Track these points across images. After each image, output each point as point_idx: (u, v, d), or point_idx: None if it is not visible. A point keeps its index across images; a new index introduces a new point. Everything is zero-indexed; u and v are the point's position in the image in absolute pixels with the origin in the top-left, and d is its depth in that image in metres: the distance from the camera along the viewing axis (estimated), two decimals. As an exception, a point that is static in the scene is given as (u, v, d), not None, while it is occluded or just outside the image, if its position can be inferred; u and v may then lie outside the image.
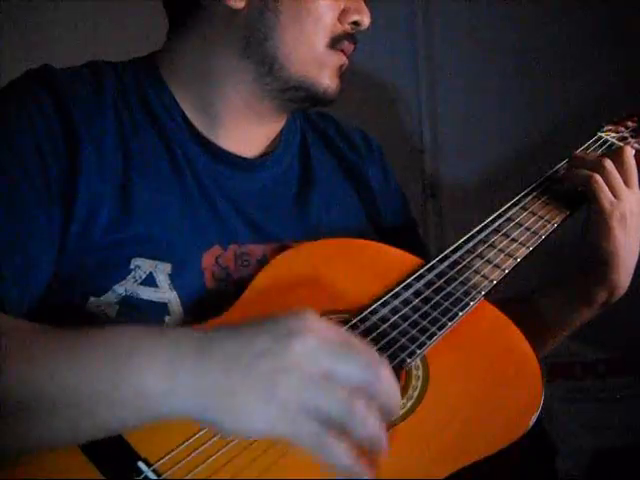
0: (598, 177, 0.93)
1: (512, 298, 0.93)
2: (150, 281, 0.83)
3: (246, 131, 0.95)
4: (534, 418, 0.72)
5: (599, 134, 1.08)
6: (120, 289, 0.82)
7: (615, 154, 0.97)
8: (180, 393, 0.62)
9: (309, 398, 0.60)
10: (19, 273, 0.78)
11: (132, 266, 0.83)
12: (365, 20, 0.93)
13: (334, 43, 0.91)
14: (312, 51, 0.90)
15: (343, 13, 0.91)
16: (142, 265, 0.83)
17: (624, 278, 0.96)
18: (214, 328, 0.66)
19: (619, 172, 0.94)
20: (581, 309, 0.99)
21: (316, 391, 0.61)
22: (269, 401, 0.60)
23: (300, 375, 0.61)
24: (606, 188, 0.93)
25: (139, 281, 0.83)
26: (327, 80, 0.92)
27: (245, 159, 0.95)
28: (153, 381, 0.63)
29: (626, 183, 0.94)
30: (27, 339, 0.67)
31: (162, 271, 0.84)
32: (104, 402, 0.64)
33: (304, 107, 0.98)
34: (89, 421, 0.64)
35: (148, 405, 0.63)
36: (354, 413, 0.60)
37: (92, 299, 0.82)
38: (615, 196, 0.93)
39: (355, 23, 0.92)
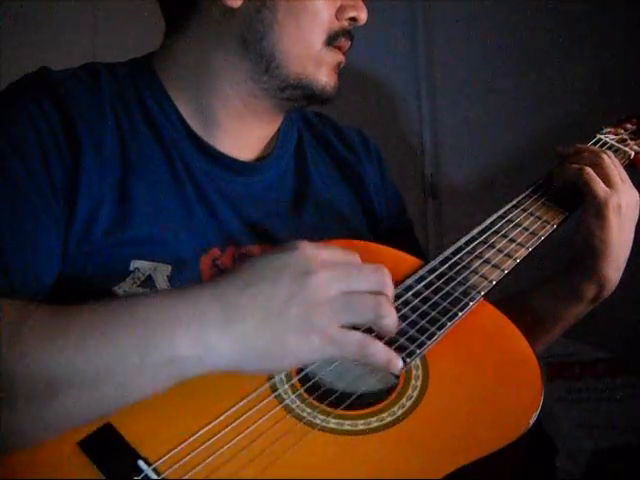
0: (589, 169, 0.94)
1: (504, 297, 0.93)
2: (149, 283, 0.83)
3: (243, 133, 0.95)
4: (534, 418, 0.72)
5: (598, 136, 1.08)
6: (119, 291, 0.82)
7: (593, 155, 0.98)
8: (216, 354, 0.66)
9: (341, 317, 0.69)
10: (29, 272, 0.78)
11: (131, 268, 0.83)
12: (362, 16, 0.93)
13: (331, 40, 0.91)
14: (309, 49, 0.90)
15: (340, 9, 0.91)
16: (141, 267, 0.83)
17: (614, 272, 0.96)
18: (229, 278, 0.70)
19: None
20: (571, 304, 0.99)
21: (344, 309, 0.69)
22: (309, 334, 0.68)
23: (327, 303, 0.68)
24: (598, 179, 0.94)
25: (138, 283, 0.83)
26: (325, 78, 0.92)
27: (242, 162, 0.95)
28: (184, 348, 0.65)
29: (620, 179, 0.95)
30: (51, 320, 0.67)
31: (161, 273, 0.84)
32: (134, 373, 0.65)
33: (302, 105, 0.98)
34: (121, 392, 0.66)
35: (180, 370, 0.66)
36: (381, 310, 0.70)
37: (91, 300, 0.81)
38: (609, 186, 0.94)
39: (352, 19, 0.92)
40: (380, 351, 0.70)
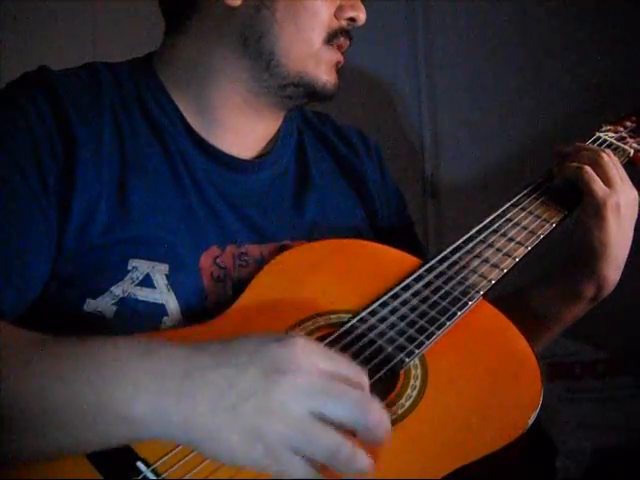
0: (588, 168, 0.94)
1: (502, 295, 0.93)
2: (147, 282, 0.83)
3: (244, 131, 0.95)
4: (533, 417, 0.72)
5: (598, 134, 1.08)
6: (117, 290, 0.82)
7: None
8: (165, 424, 0.62)
9: (295, 442, 0.60)
10: (16, 275, 0.78)
11: (129, 267, 0.83)
12: (361, 16, 0.93)
13: (330, 39, 0.91)
14: (309, 47, 0.90)
15: (339, 9, 0.92)
16: (139, 266, 0.83)
17: (613, 272, 0.95)
18: (201, 348, 0.65)
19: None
20: (570, 304, 0.99)
21: (301, 436, 0.60)
22: (254, 442, 0.60)
23: (287, 418, 0.60)
24: (597, 178, 0.94)
25: (136, 282, 0.83)
26: (325, 75, 0.92)
27: (242, 160, 0.95)
28: (138, 410, 0.62)
29: (620, 178, 0.95)
30: (16, 355, 0.66)
31: (159, 272, 0.84)
32: (89, 426, 0.64)
33: (302, 103, 0.98)
34: (74, 442, 0.65)
35: (133, 430, 0.63)
36: (340, 456, 0.60)
37: (89, 300, 0.81)
38: (608, 186, 0.93)
39: (351, 19, 0.93)
40: None
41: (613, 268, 0.95)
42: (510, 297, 1.00)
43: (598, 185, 0.93)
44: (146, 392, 0.62)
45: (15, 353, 0.66)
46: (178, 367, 0.63)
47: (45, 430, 0.64)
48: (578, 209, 0.97)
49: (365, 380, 0.64)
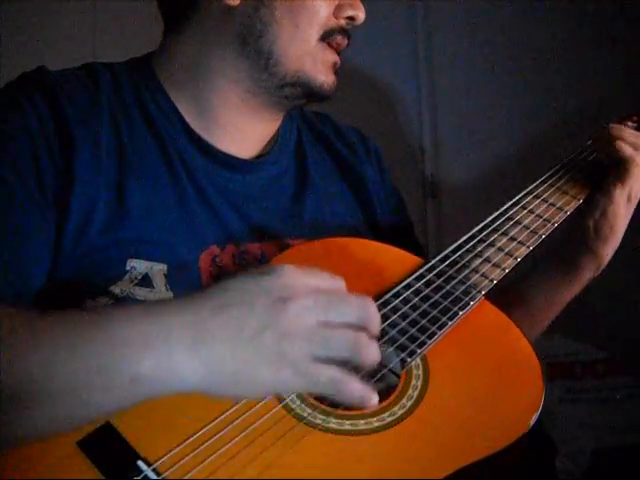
0: (638, 159, 0.96)
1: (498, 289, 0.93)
2: (146, 282, 0.83)
3: (242, 131, 0.95)
4: (534, 418, 0.72)
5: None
6: (116, 290, 0.82)
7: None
8: (180, 377, 0.64)
9: (316, 351, 0.65)
10: (13, 275, 0.78)
11: (128, 267, 0.83)
12: (360, 15, 0.93)
13: (326, 36, 0.91)
14: (306, 45, 0.91)
15: (338, 8, 0.92)
16: (138, 266, 0.83)
17: (612, 252, 1.00)
18: (202, 297, 0.67)
19: None
20: (570, 285, 1.01)
21: (319, 343, 0.65)
22: (281, 366, 0.64)
23: (302, 334, 0.64)
24: (639, 173, 0.96)
25: (135, 282, 0.83)
26: (322, 76, 0.92)
27: (241, 160, 0.95)
28: (148, 367, 0.63)
29: None
30: (22, 327, 0.66)
31: (158, 272, 0.84)
32: (99, 390, 0.64)
33: (301, 103, 0.98)
34: (86, 409, 0.65)
35: (144, 389, 0.64)
36: (359, 348, 0.65)
37: (88, 300, 0.81)
38: None
39: (350, 18, 0.93)
40: (354, 389, 0.66)
41: (613, 249, 0.99)
42: (506, 289, 1.00)
43: (637, 180, 0.95)
44: (153, 349, 0.63)
45: (18, 326, 0.66)
46: (183, 318, 0.65)
47: (57, 398, 0.64)
48: (578, 209, 0.98)
49: (342, 281, 0.70)
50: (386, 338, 0.78)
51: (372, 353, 0.66)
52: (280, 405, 0.70)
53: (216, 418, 0.68)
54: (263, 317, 0.64)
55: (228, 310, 0.65)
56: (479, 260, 0.89)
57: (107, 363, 0.63)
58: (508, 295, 0.99)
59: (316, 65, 0.91)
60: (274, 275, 0.67)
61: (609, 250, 0.99)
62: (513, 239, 0.92)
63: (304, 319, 0.65)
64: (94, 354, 0.64)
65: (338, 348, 0.65)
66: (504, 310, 0.85)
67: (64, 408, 0.64)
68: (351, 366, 0.66)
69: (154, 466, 0.64)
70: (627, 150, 0.96)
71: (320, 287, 0.68)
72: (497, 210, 0.96)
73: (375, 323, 0.68)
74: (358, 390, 0.66)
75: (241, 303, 0.65)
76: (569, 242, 1.00)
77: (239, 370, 0.64)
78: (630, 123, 1.10)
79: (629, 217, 0.98)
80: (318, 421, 0.70)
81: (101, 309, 0.70)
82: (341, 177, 1.05)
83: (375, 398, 0.66)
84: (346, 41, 0.94)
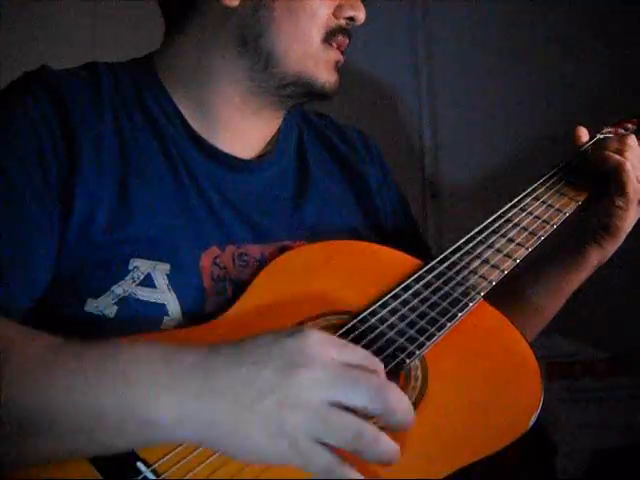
0: (629, 165, 0.96)
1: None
2: (148, 282, 0.83)
3: (243, 131, 0.95)
4: (534, 418, 0.72)
5: (598, 136, 1.08)
6: (118, 290, 0.82)
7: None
8: (187, 426, 0.63)
9: (317, 432, 0.61)
10: (21, 274, 0.78)
11: (130, 267, 0.83)
12: (360, 15, 0.93)
13: (328, 37, 0.91)
14: (307, 47, 0.90)
15: (338, 8, 0.92)
16: (140, 266, 0.83)
17: (616, 246, 1.01)
18: (216, 349, 0.66)
19: None
20: (576, 273, 1.02)
21: (323, 424, 0.61)
22: (277, 436, 0.61)
23: (306, 409, 0.61)
24: (634, 176, 0.96)
25: (137, 282, 0.83)
26: (325, 74, 0.92)
27: (242, 160, 0.95)
28: (163, 413, 0.63)
29: None
30: (39, 358, 0.67)
31: (160, 272, 0.84)
32: (111, 430, 0.64)
33: (303, 102, 0.98)
34: (95, 446, 0.65)
35: (157, 433, 0.64)
36: (363, 440, 0.61)
37: (90, 300, 0.81)
38: (637, 181, 0.96)
39: (350, 18, 0.92)
40: (348, 476, 0.61)
41: (619, 244, 1.00)
42: (505, 289, 1.00)
43: (632, 182, 0.95)
44: (168, 397, 0.63)
45: (35, 355, 0.67)
46: (196, 370, 0.64)
47: (66, 433, 0.64)
48: (579, 210, 0.98)
49: (380, 366, 0.65)
50: (386, 339, 0.78)
51: (379, 449, 0.61)
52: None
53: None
54: (269, 381, 0.62)
55: (239, 368, 0.63)
56: (478, 262, 0.89)
57: (122, 405, 0.63)
58: (508, 290, 0.99)
59: (318, 65, 0.91)
60: (297, 338, 0.64)
61: (615, 245, 1.00)
62: (512, 241, 0.92)
63: (310, 392, 0.61)
64: (109, 395, 0.64)
65: (337, 435, 0.61)
66: (506, 301, 0.86)
67: (71, 443, 0.65)
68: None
69: (153, 467, 0.64)
70: (613, 158, 0.96)
71: (343, 361, 0.63)
72: (496, 212, 0.96)
73: (398, 413, 0.63)
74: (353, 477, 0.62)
75: (254, 362, 0.63)
76: (578, 233, 1.01)
77: (236, 432, 0.62)
78: (630, 126, 1.10)
79: (639, 214, 0.99)
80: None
81: (118, 345, 0.68)
82: (342, 177, 1.05)
83: None
84: (347, 40, 0.94)
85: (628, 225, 0.98)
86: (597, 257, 1.01)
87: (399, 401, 0.63)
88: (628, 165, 0.95)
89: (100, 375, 0.65)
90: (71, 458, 0.65)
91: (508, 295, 0.97)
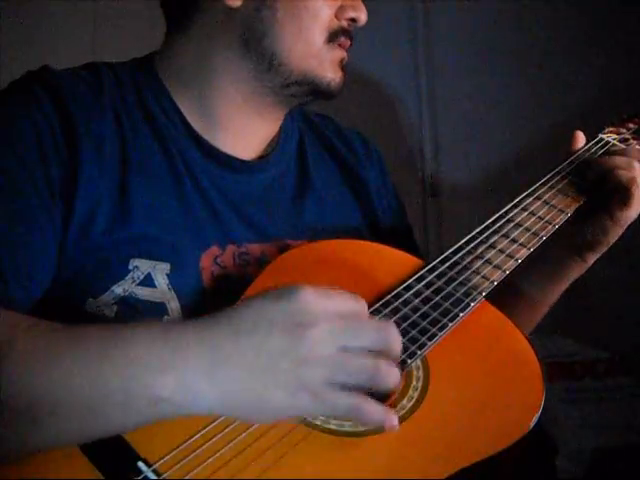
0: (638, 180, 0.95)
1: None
2: (148, 281, 0.83)
3: (244, 132, 0.95)
4: (535, 419, 0.72)
5: (600, 135, 1.08)
6: (118, 289, 0.82)
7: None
8: (198, 401, 0.64)
9: (335, 378, 0.65)
10: (23, 274, 0.78)
11: (130, 266, 0.83)
12: (362, 17, 0.93)
13: (332, 38, 0.91)
14: (310, 47, 0.90)
15: (340, 9, 0.92)
16: (140, 265, 0.83)
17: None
18: (219, 322, 0.67)
19: None
20: (557, 284, 1.02)
21: (338, 370, 0.65)
22: (299, 392, 0.64)
23: (320, 361, 0.64)
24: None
25: (137, 281, 0.83)
26: (330, 73, 0.92)
27: (243, 161, 0.95)
28: (168, 391, 0.63)
29: None
30: (43, 344, 0.67)
31: (160, 271, 0.84)
32: (117, 410, 0.64)
33: (307, 101, 0.98)
34: (103, 426, 0.65)
35: (162, 411, 0.64)
36: (379, 375, 0.65)
37: (90, 300, 0.82)
38: None
39: (352, 20, 0.92)
40: (374, 414, 0.66)
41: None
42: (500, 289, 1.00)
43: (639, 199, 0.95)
44: (173, 372, 0.64)
45: (38, 340, 0.67)
46: (200, 343, 0.65)
47: (72, 416, 0.64)
48: (579, 212, 0.98)
49: (363, 304, 0.69)
50: None
51: (392, 379, 0.66)
52: (280, 406, 0.71)
53: (217, 419, 0.67)
54: (280, 344, 0.64)
55: (245, 336, 0.65)
56: (480, 262, 0.89)
57: (126, 384, 0.64)
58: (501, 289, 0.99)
59: (323, 64, 0.91)
60: (292, 299, 0.66)
61: (595, 258, 1.00)
62: (514, 241, 0.92)
63: (322, 346, 0.65)
64: (113, 374, 0.64)
65: (356, 375, 0.65)
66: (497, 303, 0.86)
67: (80, 425, 0.65)
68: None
69: (154, 467, 0.64)
70: (624, 175, 0.96)
71: (339, 310, 0.67)
72: (498, 212, 0.96)
73: (396, 347, 0.68)
74: (378, 414, 0.66)
75: (259, 329, 0.65)
76: (559, 246, 1.01)
77: (254, 396, 0.64)
78: (632, 125, 1.10)
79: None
80: (318, 422, 0.70)
81: (120, 326, 0.69)
82: (342, 179, 1.05)
83: (395, 421, 0.67)
84: (349, 42, 0.94)
85: (613, 240, 0.98)
86: (579, 271, 1.01)
87: (396, 338, 0.68)
88: (638, 183, 0.95)
89: (103, 355, 0.65)
90: (80, 441, 0.65)
91: (503, 295, 0.96)
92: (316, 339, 0.64)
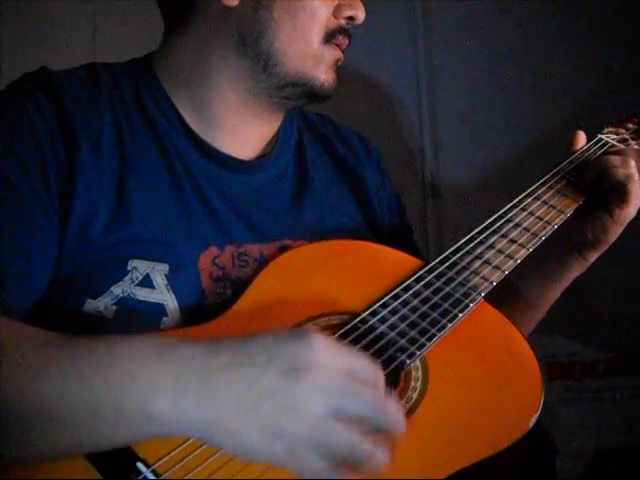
0: (637, 177, 0.96)
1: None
2: (147, 282, 0.83)
3: (243, 132, 0.95)
4: (534, 419, 0.72)
5: (599, 136, 1.08)
6: (117, 290, 0.82)
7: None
8: (186, 422, 0.63)
9: (316, 438, 0.61)
10: (21, 275, 0.78)
11: (129, 267, 0.83)
12: (360, 15, 0.93)
13: (329, 38, 0.91)
14: (307, 46, 0.90)
15: (338, 8, 0.91)
16: (139, 266, 0.83)
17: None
18: (218, 346, 0.65)
19: None
20: (557, 285, 1.02)
21: (321, 433, 0.61)
22: (275, 439, 0.61)
23: (306, 417, 0.61)
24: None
25: (136, 282, 0.83)
26: (323, 75, 0.92)
27: (241, 161, 0.95)
28: (157, 410, 0.63)
29: None
30: (35, 354, 0.67)
31: (159, 272, 0.84)
32: (107, 426, 0.64)
33: (301, 104, 0.98)
34: (93, 440, 0.65)
35: (152, 428, 0.64)
36: (363, 454, 0.61)
37: (89, 300, 0.81)
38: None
39: (350, 18, 0.92)
40: None
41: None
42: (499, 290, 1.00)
43: (637, 197, 0.95)
44: (165, 392, 0.63)
45: (31, 352, 0.67)
46: (196, 366, 0.64)
47: (62, 429, 0.64)
48: (579, 211, 0.98)
49: (381, 377, 0.65)
50: (386, 340, 0.78)
51: (374, 462, 0.62)
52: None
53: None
54: (272, 383, 0.62)
55: (239, 369, 0.63)
56: (479, 262, 0.89)
57: (118, 401, 0.63)
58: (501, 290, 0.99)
59: (318, 65, 0.91)
60: (301, 342, 0.63)
61: (597, 256, 1.00)
62: (513, 241, 0.92)
63: (312, 400, 0.61)
64: (105, 389, 0.64)
65: (338, 446, 0.61)
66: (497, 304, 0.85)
67: (71, 438, 0.65)
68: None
69: (153, 467, 0.64)
70: (620, 173, 0.96)
71: (348, 369, 0.63)
72: (497, 212, 0.96)
73: (396, 429, 0.63)
74: None
75: (257, 364, 0.63)
76: (560, 245, 1.01)
77: (234, 433, 0.62)
78: (631, 125, 1.10)
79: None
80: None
81: (114, 338, 0.68)
82: (341, 179, 1.05)
83: None
84: (347, 41, 0.94)
85: (614, 238, 0.98)
86: (579, 269, 1.01)
87: (397, 417, 0.64)
88: (636, 178, 0.95)
89: (95, 371, 0.65)
90: (70, 453, 0.65)
91: (503, 296, 0.95)
92: (308, 391, 0.61)
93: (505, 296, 0.95)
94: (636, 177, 0.95)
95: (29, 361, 0.66)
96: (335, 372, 0.62)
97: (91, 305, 0.81)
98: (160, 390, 0.63)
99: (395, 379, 0.75)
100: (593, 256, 1.00)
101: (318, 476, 0.61)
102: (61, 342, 0.68)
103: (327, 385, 0.62)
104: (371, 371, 0.65)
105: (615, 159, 0.98)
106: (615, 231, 0.98)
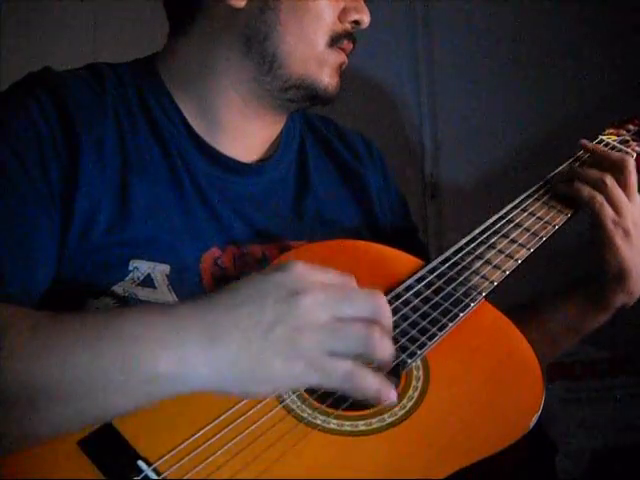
0: (600, 197, 0.93)
1: (514, 306, 0.92)
2: (148, 282, 0.83)
3: (245, 134, 0.95)
4: (534, 419, 0.72)
5: (600, 137, 1.08)
6: (118, 290, 0.82)
7: (616, 166, 0.96)
8: (196, 375, 0.64)
9: (330, 344, 0.65)
10: (23, 274, 0.78)
11: (131, 267, 0.83)
12: (365, 19, 0.93)
13: (334, 41, 0.91)
14: (312, 50, 0.90)
15: (343, 12, 0.92)
16: (140, 266, 0.83)
17: (638, 283, 0.95)
18: (209, 297, 0.67)
19: (620, 185, 0.94)
20: (598, 315, 0.99)
21: (333, 337, 0.65)
22: (294, 359, 0.64)
23: (315, 328, 0.65)
24: (608, 208, 0.93)
25: (137, 282, 0.83)
26: (327, 78, 0.92)
27: (244, 164, 0.95)
28: (165, 367, 0.64)
29: (627, 196, 0.94)
30: (36, 328, 0.67)
31: (160, 272, 0.84)
32: (116, 390, 0.64)
33: (304, 106, 0.98)
34: (103, 408, 0.65)
35: (161, 388, 0.65)
36: (373, 341, 0.66)
37: (91, 300, 0.82)
38: (617, 213, 0.93)
39: (355, 22, 0.93)
40: (371, 384, 0.66)
41: (637, 280, 0.95)
42: (524, 311, 0.99)
43: (608, 214, 0.92)
44: (170, 348, 0.64)
45: (34, 327, 0.67)
46: (197, 319, 0.65)
47: (71, 399, 0.64)
48: (581, 210, 0.98)
49: (352, 277, 0.70)
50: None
51: (385, 347, 0.66)
52: (280, 406, 0.71)
53: (217, 418, 0.68)
54: (275, 312, 0.65)
55: (240, 308, 0.65)
56: (480, 262, 0.89)
57: (124, 364, 0.64)
58: (526, 314, 0.97)
59: (322, 69, 0.91)
60: (285, 271, 0.67)
61: (633, 285, 0.95)
62: (514, 241, 0.92)
63: (317, 313, 0.65)
64: (111, 355, 0.64)
65: (352, 342, 0.65)
66: (520, 328, 0.83)
67: (79, 408, 0.65)
68: (364, 363, 0.66)
69: (154, 466, 0.64)
70: (585, 191, 0.94)
71: (331, 281, 0.68)
72: (497, 212, 0.96)
73: (387, 316, 0.68)
74: (375, 384, 0.66)
75: (253, 300, 0.66)
76: (591, 279, 0.97)
77: (251, 366, 0.64)
78: (632, 127, 1.10)
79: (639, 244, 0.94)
80: (318, 422, 0.70)
81: (116, 309, 0.71)
82: (343, 181, 1.05)
83: (393, 393, 0.67)
84: (352, 45, 0.94)
85: (627, 260, 0.93)
86: (620, 299, 0.96)
87: (385, 305, 0.69)
88: (598, 197, 0.93)
89: (101, 337, 0.65)
90: (78, 427, 0.65)
91: (528, 322, 0.93)
92: (310, 307, 0.65)
93: (533, 332, 0.93)
94: (598, 197, 0.93)
95: (34, 334, 0.66)
96: (324, 286, 0.67)
97: (92, 305, 0.82)
98: (165, 349, 0.64)
99: (396, 378, 0.75)
100: (622, 283, 0.94)
101: (345, 375, 0.65)
102: (65, 315, 0.69)
103: (323, 298, 0.66)
104: (344, 279, 0.70)
105: (591, 174, 0.96)
106: (609, 253, 0.93)
